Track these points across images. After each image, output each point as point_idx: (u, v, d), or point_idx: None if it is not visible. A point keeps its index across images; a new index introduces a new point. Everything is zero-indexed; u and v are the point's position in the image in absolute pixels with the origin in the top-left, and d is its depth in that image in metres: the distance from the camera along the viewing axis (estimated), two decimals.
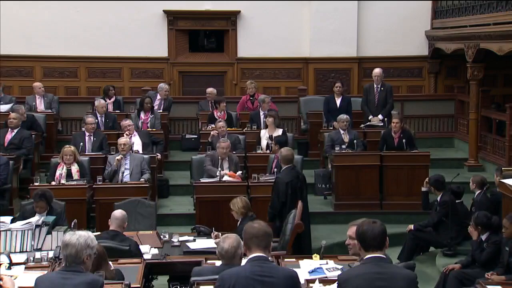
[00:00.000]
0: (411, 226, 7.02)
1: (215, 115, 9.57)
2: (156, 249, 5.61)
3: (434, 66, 11.87)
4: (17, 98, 10.27)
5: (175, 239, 5.86)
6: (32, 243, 5.40)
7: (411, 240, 6.97)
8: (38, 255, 5.06)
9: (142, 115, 9.54)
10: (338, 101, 9.70)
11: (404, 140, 8.48)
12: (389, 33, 11.72)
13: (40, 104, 9.96)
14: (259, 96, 10.11)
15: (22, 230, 5.42)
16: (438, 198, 6.98)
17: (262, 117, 9.53)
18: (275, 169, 7.60)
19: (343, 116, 8.75)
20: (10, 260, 4.85)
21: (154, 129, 9.32)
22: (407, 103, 11.16)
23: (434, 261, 6.88)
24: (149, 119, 9.52)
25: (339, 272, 4.48)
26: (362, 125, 9.50)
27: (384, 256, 3.39)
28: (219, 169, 7.70)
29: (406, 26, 11.75)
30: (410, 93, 11.88)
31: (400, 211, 8.16)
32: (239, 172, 7.72)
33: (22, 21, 11.20)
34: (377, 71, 9.61)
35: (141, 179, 7.57)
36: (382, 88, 9.53)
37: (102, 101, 9.52)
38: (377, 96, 9.54)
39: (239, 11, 11.74)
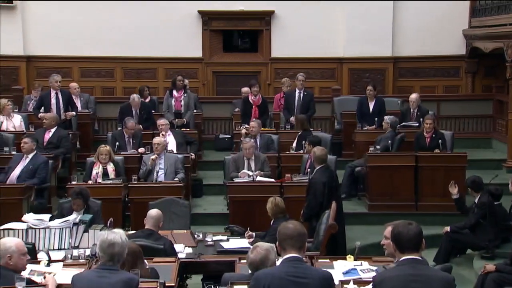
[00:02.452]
0: (447, 228, 6.90)
1: (250, 99, 9.58)
2: (190, 248, 5.64)
3: (472, 66, 11.65)
4: None
5: (209, 239, 5.88)
6: (70, 241, 5.48)
7: (447, 242, 6.85)
8: (75, 252, 5.13)
9: (175, 93, 9.59)
10: (371, 105, 9.64)
11: (440, 141, 8.36)
12: (425, 32, 11.56)
13: (76, 104, 10.10)
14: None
15: (60, 228, 5.51)
16: (476, 200, 6.85)
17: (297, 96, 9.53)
18: (309, 169, 7.58)
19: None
20: (49, 257, 4.94)
21: (188, 129, 9.39)
22: (443, 103, 11.00)
23: (471, 263, 6.76)
24: (182, 97, 9.58)
25: (373, 273, 4.44)
26: (397, 126, 9.37)
27: (420, 258, 3.34)
28: (251, 170, 7.72)
29: (443, 25, 11.57)
30: (447, 93, 11.69)
31: (436, 213, 8.03)
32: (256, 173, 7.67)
33: (60, 22, 11.40)
34: (413, 96, 9.60)
35: (175, 179, 7.63)
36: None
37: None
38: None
39: (273, 11, 11.73)
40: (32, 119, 9.41)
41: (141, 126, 9.33)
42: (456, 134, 10.31)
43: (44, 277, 4.22)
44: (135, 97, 9.55)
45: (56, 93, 9.17)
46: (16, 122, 9.17)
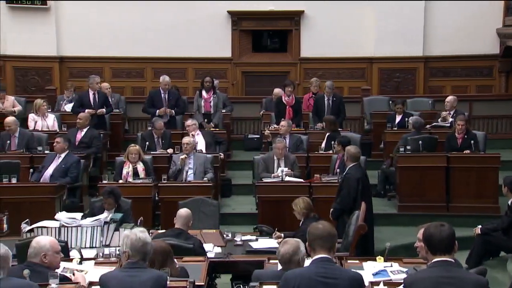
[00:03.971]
0: (478, 229, 6.78)
1: (283, 99, 9.57)
2: (219, 247, 5.66)
3: (505, 65, 11.45)
4: None
5: (238, 238, 5.89)
6: (101, 239, 5.55)
7: (480, 244, 6.73)
8: (106, 251, 5.19)
9: (204, 94, 9.65)
10: (398, 118, 9.51)
11: (472, 142, 8.23)
12: (458, 31, 11.40)
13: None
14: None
15: (91, 227, 5.57)
16: (510, 202, 6.72)
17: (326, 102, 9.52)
18: (338, 170, 7.55)
19: None
20: (81, 255, 5.00)
21: (217, 129, 9.42)
22: (476, 103, 10.82)
23: (504, 266, 6.62)
24: (211, 98, 9.62)
25: (404, 275, 4.38)
26: (428, 126, 9.28)
27: (453, 260, 3.29)
28: (280, 169, 7.72)
29: (476, 24, 11.40)
30: (479, 93, 11.50)
31: (468, 214, 7.90)
32: None
33: (92, 23, 11.56)
34: (450, 98, 9.49)
35: (205, 178, 7.66)
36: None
37: (167, 78, 9.65)
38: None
39: (303, 11, 11.71)
40: (65, 118, 9.56)
41: (173, 111, 9.40)
42: (489, 135, 10.16)
43: (73, 274, 4.27)
44: (165, 76, 9.62)
45: (94, 94, 9.37)
46: (49, 122, 9.34)
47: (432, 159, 8.19)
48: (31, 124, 9.21)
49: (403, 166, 8.19)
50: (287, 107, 9.60)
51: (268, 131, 8.84)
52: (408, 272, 4.42)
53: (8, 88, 10.88)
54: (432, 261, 3.30)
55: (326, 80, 11.47)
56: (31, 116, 9.29)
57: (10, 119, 8.59)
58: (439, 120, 9.51)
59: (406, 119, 9.35)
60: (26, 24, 11.41)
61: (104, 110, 9.36)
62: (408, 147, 8.26)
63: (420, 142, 8.30)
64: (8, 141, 8.39)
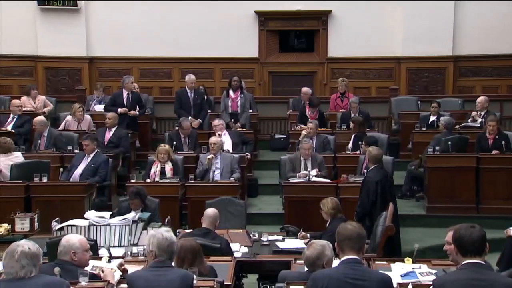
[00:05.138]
0: (510, 231, 6.64)
1: (307, 113, 9.53)
2: (246, 247, 5.66)
3: None
4: None
5: (264, 238, 5.88)
6: (129, 238, 5.59)
7: (511, 246, 6.60)
8: (134, 249, 5.23)
9: (231, 93, 9.65)
10: (432, 118, 9.40)
11: (503, 142, 8.10)
12: (488, 30, 11.24)
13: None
14: (350, 95, 10.02)
15: (120, 226, 5.61)
16: None
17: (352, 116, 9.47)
18: (365, 170, 7.49)
19: None
20: (110, 253, 5.05)
21: (244, 129, 9.44)
22: (507, 103, 10.64)
23: None
24: (238, 98, 9.63)
25: (433, 277, 4.33)
26: (458, 126, 9.15)
27: (484, 262, 3.24)
28: (308, 170, 7.70)
29: (506, 23, 11.23)
30: (510, 92, 11.31)
31: (498, 216, 7.76)
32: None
33: (121, 24, 11.68)
34: (481, 99, 9.33)
35: (231, 178, 7.67)
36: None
37: (193, 76, 9.70)
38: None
39: (330, 11, 11.66)
40: (95, 118, 9.67)
41: (136, 112, 9.44)
42: None
43: (102, 271, 4.31)
44: (191, 75, 9.68)
45: (128, 94, 9.51)
46: (84, 126, 9.42)
47: (462, 160, 8.08)
48: (61, 127, 9.35)
49: (432, 167, 8.09)
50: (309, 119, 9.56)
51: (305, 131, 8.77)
52: (437, 274, 4.36)
53: (39, 88, 11.06)
54: (462, 263, 3.25)
55: (353, 80, 11.46)
56: (68, 119, 9.41)
57: (37, 119, 8.74)
58: (469, 120, 9.38)
59: (435, 119, 9.25)
60: (57, 25, 11.60)
61: (137, 112, 9.41)
62: (437, 148, 8.16)
63: (449, 142, 8.20)
64: (39, 140, 8.54)
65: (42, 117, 8.92)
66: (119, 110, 9.20)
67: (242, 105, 9.65)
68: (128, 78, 9.64)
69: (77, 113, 9.37)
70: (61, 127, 9.40)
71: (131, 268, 4.38)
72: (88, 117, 9.57)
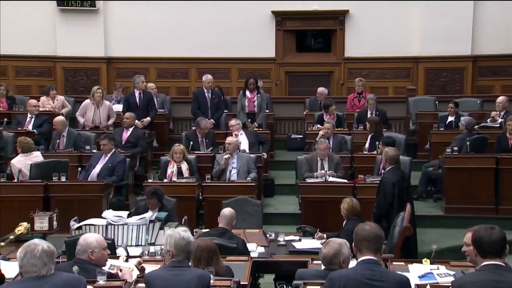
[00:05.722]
0: None
1: (324, 118, 9.52)
2: (263, 247, 5.66)
3: None
4: None
5: (281, 238, 5.87)
6: (147, 238, 5.61)
7: None
8: (152, 249, 5.26)
9: (248, 93, 9.67)
10: (450, 119, 9.32)
11: None
12: (508, 30, 11.12)
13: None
14: (367, 95, 9.97)
15: (137, 225, 5.63)
16: None
17: (369, 115, 9.41)
18: (382, 170, 7.44)
19: None
20: (127, 253, 5.08)
21: (260, 129, 9.44)
22: None
23: None
24: (255, 97, 9.64)
25: (451, 278, 4.30)
26: (477, 126, 9.06)
27: (504, 264, 3.21)
28: (324, 170, 7.68)
29: None
30: None
31: None
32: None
33: (138, 24, 11.75)
34: (501, 99, 9.17)
35: (248, 178, 7.68)
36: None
37: (210, 76, 9.74)
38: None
39: (347, 11, 11.62)
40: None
41: (214, 121, 9.46)
42: None
43: (120, 270, 4.34)
44: (208, 75, 9.71)
45: (140, 93, 9.56)
46: (103, 111, 9.51)
47: (481, 160, 7.99)
48: (80, 112, 9.50)
49: (450, 167, 8.02)
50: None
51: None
52: (455, 276, 4.33)
53: (58, 89, 11.16)
54: (481, 264, 3.22)
55: (371, 80, 11.41)
56: (85, 103, 9.53)
57: (57, 119, 8.83)
58: (488, 120, 9.28)
59: (453, 119, 9.17)
60: (76, 26, 11.69)
61: (149, 118, 9.42)
62: (455, 148, 8.09)
63: (468, 142, 8.12)
64: (58, 140, 8.62)
65: (62, 117, 9.01)
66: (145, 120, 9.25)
67: (259, 105, 9.65)
68: (139, 77, 9.65)
69: (96, 94, 9.46)
70: (78, 112, 9.53)
71: (149, 268, 4.40)
72: (107, 103, 9.67)
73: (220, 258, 4.39)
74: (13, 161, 7.79)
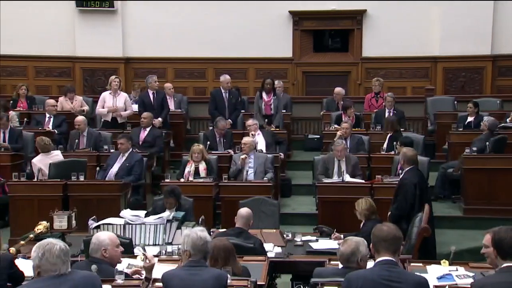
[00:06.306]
0: None
1: (343, 118, 9.48)
2: (280, 247, 5.65)
3: None
4: None
5: (298, 239, 5.87)
6: (164, 237, 5.64)
7: None
8: (169, 248, 5.28)
9: (264, 96, 9.67)
10: (469, 119, 9.24)
11: None
12: None
13: (170, 104, 10.42)
14: (384, 95, 9.92)
15: (155, 224, 5.67)
16: None
17: (387, 115, 9.34)
18: (400, 171, 7.38)
19: None
20: (145, 252, 5.10)
21: (278, 129, 9.43)
22: None
23: None
24: (271, 100, 9.63)
25: (470, 279, 4.25)
26: None
27: None
28: (342, 170, 7.65)
29: None
30: None
31: None
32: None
33: (156, 25, 11.80)
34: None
35: (265, 178, 7.67)
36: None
37: (227, 76, 9.77)
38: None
39: (365, 10, 11.57)
40: (131, 118, 9.80)
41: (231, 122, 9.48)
42: None
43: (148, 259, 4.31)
44: (226, 75, 9.74)
45: (153, 93, 9.61)
46: (120, 101, 9.60)
47: (500, 161, 7.91)
48: (100, 104, 9.64)
49: (469, 168, 7.94)
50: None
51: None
52: (475, 277, 4.28)
53: (76, 89, 11.26)
54: (502, 266, 3.18)
55: (388, 79, 11.34)
56: (104, 94, 9.66)
57: (80, 118, 8.92)
58: (507, 120, 9.17)
59: (473, 119, 9.08)
60: (94, 26, 11.79)
61: (160, 119, 9.43)
62: (474, 149, 8.01)
63: (487, 143, 8.04)
64: (77, 140, 8.69)
65: (83, 117, 9.10)
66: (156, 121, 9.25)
67: (275, 107, 9.61)
68: (151, 77, 9.71)
69: (113, 83, 9.59)
70: (99, 105, 9.66)
71: (166, 267, 4.41)
72: (124, 94, 9.75)
73: (237, 258, 4.39)
74: (34, 160, 7.89)
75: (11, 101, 10.14)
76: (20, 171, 7.73)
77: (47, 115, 9.48)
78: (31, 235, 5.34)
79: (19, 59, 12.05)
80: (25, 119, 9.64)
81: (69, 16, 11.91)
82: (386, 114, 9.44)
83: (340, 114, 9.70)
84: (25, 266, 4.26)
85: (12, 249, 4.95)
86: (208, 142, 8.63)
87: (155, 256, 4.97)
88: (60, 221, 5.56)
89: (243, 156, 7.88)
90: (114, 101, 9.63)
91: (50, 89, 12.02)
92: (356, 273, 3.52)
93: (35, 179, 7.51)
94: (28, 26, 11.78)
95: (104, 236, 4.18)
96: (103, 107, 9.64)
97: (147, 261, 4.28)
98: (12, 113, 9.44)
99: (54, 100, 9.84)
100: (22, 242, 5.27)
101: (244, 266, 4.50)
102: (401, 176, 6.72)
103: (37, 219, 5.75)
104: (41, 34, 11.81)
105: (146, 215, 5.92)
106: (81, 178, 7.37)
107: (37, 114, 9.77)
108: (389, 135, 8.64)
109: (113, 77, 9.79)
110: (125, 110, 9.70)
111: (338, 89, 10.36)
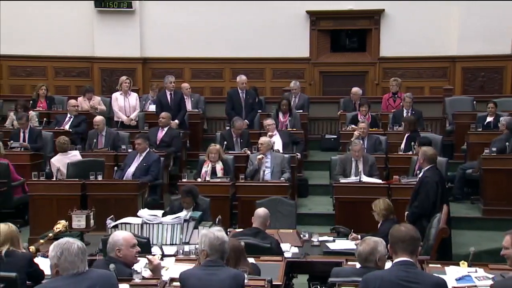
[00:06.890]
0: None
1: (359, 118, 9.44)
2: (296, 248, 5.65)
3: None
4: None
5: (315, 239, 5.85)
6: (181, 237, 5.66)
7: None
8: (186, 248, 5.29)
9: (281, 116, 9.66)
10: (489, 119, 9.16)
11: None
12: None
13: (187, 104, 10.46)
14: (402, 95, 9.86)
15: (172, 224, 5.68)
16: None
17: (405, 115, 9.29)
18: (418, 171, 7.35)
19: None
20: (162, 251, 5.13)
21: (294, 129, 9.41)
22: None
23: None
24: (287, 121, 9.61)
25: (489, 281, 4.21)
26: None
27: None
28: (359, 170, 7.62)
29: None
30: None
31: None
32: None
33: (173, 25, 11.85)
34: None
35: (281, 178, 7.67)
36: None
37: (244, 77, 9.80)
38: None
39: (383, 10, 11.51)
40: (148, 118, 9.86)
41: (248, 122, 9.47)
42: None
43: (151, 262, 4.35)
44: (242, 76, 9.76)
45: (171, 94, 9.63)
46: (132, 101, 9.67)
47: None
48: (114, 104, 9.72)
49: (488, 168, 7.87)
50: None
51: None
52: (494, 279, 4.24)
53: (95, 89, 11.34)
54: None
55: (406, 79, 11.27)
56: (115, 95, 9.76)
57: (98, 118, 8.99)
58: None
59: (492, 119, 8.99)
60: (112, 27, 11.88)
61: (176, 121, 9.43)
62: (493, 149, 7.93)
63: (507, 143, 7.95)
64: (95, 140, 8.76)
65: (102, 117, 9.17)
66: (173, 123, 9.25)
67: (291, 126, 9.56)
68: (168, 78, 9.73)
69: (124, 84, 9.66)
70: (113, 106, 9.75)
71: (183, 267, 4.43)
72: (135, 94, 9.82)
73: (247, 258, 4.40)
74: (53, 159, 7.97)
75: (31, 101, 10.25)
76: (40, 170, 7.81)
77: (68, 115, 9.57)
78: (50, 234, 5.39)
79: (38, 60, 12.19)
80: (45, 119, 9.74)
81: (87, 16, 12.01)
82: (404, 114, 9.39)
83: (355, 115, 9.67)
84: (45, 265, 4.30)
85: (32, 248, 5.00)
86: (225, 142, 8.64)
87: (172, 255, 5.00)
88: (79, 220, 5.61)
89: (260, 156, 7.88)
90: (126, 102, 9.69)
91: (69, 89, 12.13)
92: (373, 274, 3.51)
93: (54, 179, 7.58)
94: (47, 26, 11.91)
95: (118, 236, 4.20)
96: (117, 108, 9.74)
97: (151, 263, 4.31)
98: (32, 113, 9.55)
99: (75, 100, 9.94)
100: (41, 241, 5.32)
101: (254, 263, 4.51)
102: (420, 175, 6.69)
103: (56, 218, 5.81)
104: (60, 34, 11.93)
105: (164, 215, 5.94)
106: (99, 178, 7.42)
107: (58, 114, 9.86)
108: (406, 135, 8.59)
109: (123, 77, 9.85)
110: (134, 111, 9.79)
111: (355, 89, 10.32)
